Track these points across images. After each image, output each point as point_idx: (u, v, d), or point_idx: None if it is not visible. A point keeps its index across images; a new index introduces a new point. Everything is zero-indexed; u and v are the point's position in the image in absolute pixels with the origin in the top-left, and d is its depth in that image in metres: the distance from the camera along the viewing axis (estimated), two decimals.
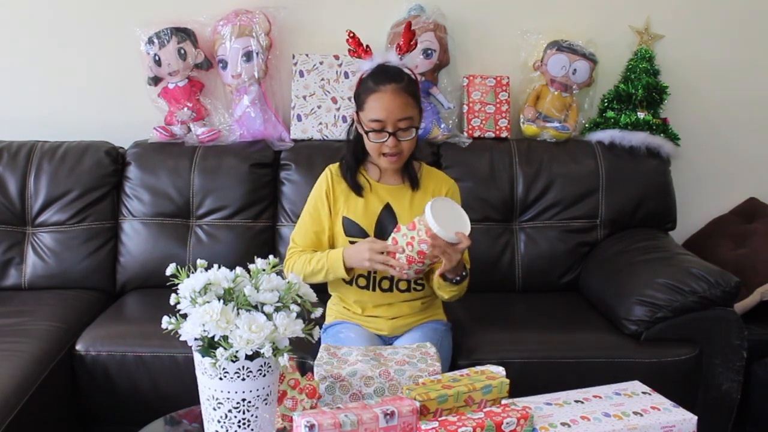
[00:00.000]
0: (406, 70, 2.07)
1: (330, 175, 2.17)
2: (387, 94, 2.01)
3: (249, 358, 1.42)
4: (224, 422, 1.46)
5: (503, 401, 1.55)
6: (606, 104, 2.91)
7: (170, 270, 1.49)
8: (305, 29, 2.91)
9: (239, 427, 1.46)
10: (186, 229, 2.74)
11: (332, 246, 2.16)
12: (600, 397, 1.63)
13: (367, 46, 2.10)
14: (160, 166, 2.75)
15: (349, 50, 2.10)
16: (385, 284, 2.13)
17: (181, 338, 1.44)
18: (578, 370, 2.23)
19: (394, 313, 2.16)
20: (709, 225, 3.04)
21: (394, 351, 1.82)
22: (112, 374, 2.28)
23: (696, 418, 1.57)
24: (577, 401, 1.61)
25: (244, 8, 2.84)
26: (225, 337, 1.40)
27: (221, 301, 1.44)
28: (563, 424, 1.52)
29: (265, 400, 1.47)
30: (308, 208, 2.18)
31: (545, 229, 2.77)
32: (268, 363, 1.45)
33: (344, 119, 2.82)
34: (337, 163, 2.19)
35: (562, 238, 2.75)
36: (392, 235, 1.98)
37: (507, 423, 1.45)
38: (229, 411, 1.45)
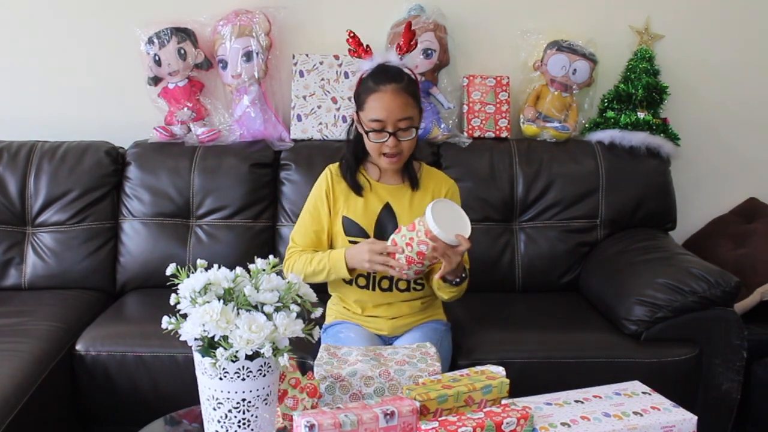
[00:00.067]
0: (407, 70, 2.07)
1: (330, 174, 2.17)
2: (387, 94, 2.01)
3: (249, 358, 1.42)
4: (224, 422, 1.46)
5: (503, 401, 1.55)
6: (606, 104, 2.91)
7: (170, 270, 1.49)
8: (305, 29, 2.91)
9: (239, 427, 1.46)
10: (186, 229, 2.74)
11: (331, 245, 2.16)
12: (600, 397, 1.63)
13: (368, 46, 2.10)
14: (160, 166, 2.75)
15: (350, 50, 2.10)
16: (385, 284, 2.13)
17: (181, 338, 1.44)
18: (578, 370, 2.23)
19: (394, 312, 2.16)
20: (709, 225, 3.04)
21: (394, 351, 1.82)
22: (112, 374, 2.28)
23: (696, 418, 1.57)
24: (577, 401, 1.61)
25: (244, 8, 2.84)
26: (225, 337, 1.40)
27: (221, 301, 1.44)
28: (563, 424, 1.52)
29: (265, 400, 1.47)
30: (308, 208, 2.18)
31: (545, 229, 2.77)
32: (268, 363, 1.45)
33: (344, 119, 2.82)
34: (337, 163, 2.19)
35: (562, 238, 2.75)
36: (392, 236, 1.98)
37: (507, 423, 1.45)
38: (229, 411, 1.45)
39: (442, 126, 2.85)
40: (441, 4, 2.87)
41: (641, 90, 2.83)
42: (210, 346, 1.42)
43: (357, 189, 2.14)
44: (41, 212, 2.72)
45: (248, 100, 2.82)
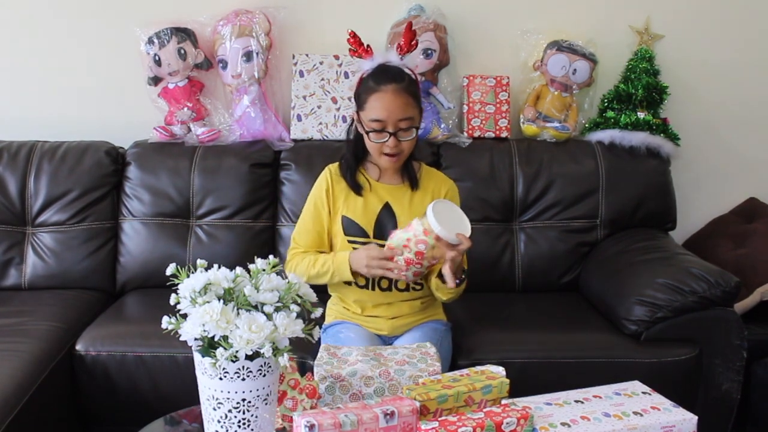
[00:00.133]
0: (407, 70, 2.08)
1: (329, 174, 2.17)
2: (388, 94, 2.01)
3: (249, 358, 1.42)
4: (224, 422, 1.46)
5: (503, 401, 1.55)
6: (606, 104, 2.91)
7: (170, 270, 1.49)
8: (305, 29, 2.91)
9: (239, 427, 1.46)
10: (186, 229, 2.74)
11: (331, 245, 2.16)
12: (600, 397, 1.63)
13: (368, 45, 2.10)
14: (160, 166, 2.75)
15: (350, 50, 2.10)
16: (384, 283, 2.13)
17: (181, 338, 1.44)
18: (578, 370, 2.23)
19: (394, 312, 2.16)
20: (709, 225, 3.04)
21: (394, 351, 1.82)
22: (112, 374, 2.28)
23: (696, 418, 1.57)
24: (577, 401, 1.61)
25: (244, 8, 2.84)
26: (225, 337, 1.40)
27: (221, 301, 1.44)
28: (563, 424, 1.52)
29: (265, 400, 1.47)
30: (308, 208, 2.18)
31: (545, 229, 2.77)
32: (268, 363, 1.45)
33: (344, 119, 2.82)
34: (337, 163, 2.20)
35: (562, 238, 2.75)
36: (387, 242, 1.99)
37: (507, 423, 1.45)
38: (229, 411, 1.45)
39: (442, 126, 2.85)
40: (441, 4, 2.87)
41: (641, 90, 2.83)
42: (210, 346, 1.42)
43: (357, 189, 2.14)
44: (41, 212, 2.72)
45: (248, 100, 2.82)
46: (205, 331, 1.40)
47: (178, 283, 1.49)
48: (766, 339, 2.51)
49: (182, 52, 2.80)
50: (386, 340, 2.16)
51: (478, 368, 1.64)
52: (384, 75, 2.04)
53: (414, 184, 2.16)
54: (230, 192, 2.73)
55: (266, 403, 1.48)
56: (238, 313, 1.43)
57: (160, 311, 1.51)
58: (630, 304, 2.34)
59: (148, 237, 2.72)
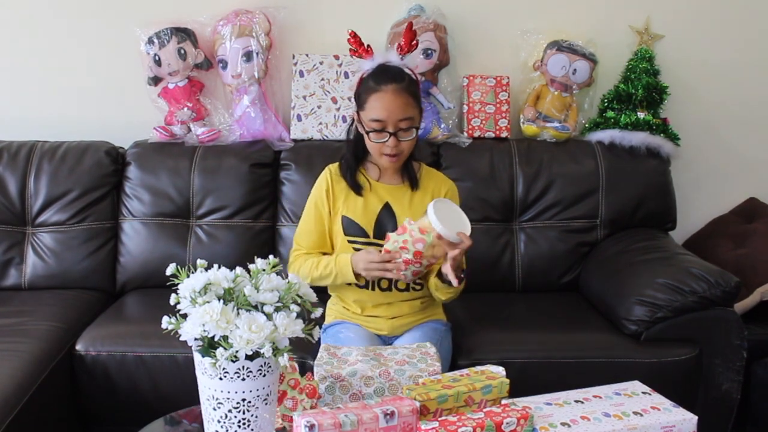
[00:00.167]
0: (407, 70, 2.08)
1: (329, 174, 2.17)
2: (388, 94, 2.01)
3: (249, 358, 1.42)
4: (224, 422, 1.46)
5: (503, 401, 1.55)
6: (606, 104, 2.91)
7: (170, 270, 1.49)
8: (305, 29, 2.91)
9: (239, 427, 1.46)
10: (186, 229, 2.74)
11: (331, 245, 2.16)
12: (600, 397, 1.63)
13: (368, 45, 2.10)
14: (160, 166, 2.75)
15: (351, 50, 2.10)
16: (384, 283, 2.13)
17: (181, 338, 1.44)
18: (578, 370, 2.23)
19: (394, 312, 2.16)
20: (709, 225, 3.04)
21: (394, 351, 1.82)
22: (112, 374, 2.28)
23: (696, 418, 1.57)
24: (577, 401, 1.61)
25: (244, 8, 2.84)
26: (225, 337, 1.40)
27: (221, 301, 1.44)
28: (563, 424, 1.52)
29: (265, 400, 1.47)
30: (309, 209, 2.18)
31: (545, 229, 2.77)
32: (268, 363, 1.45)
33: (344, 119, 2.82)
34: (337, 163, 2.20)
35: (562, 238, 2.75)
36: (384, 246, 1.99)
37: (507, 423, 1.45)
38: (229, 411, 1.45)
39: (442, 126, 2.85)
40: (441, 4, 2.87)
41: (641, 90, 2.83)
42: (210, 346, 1.42)
43: (357, 189, 2.14)
44: (41, 212, 2.72)
45: (248, 100, 2.82)
46: (205, 331, 1.40)
47: (178, 283, 1.49)
48: (766, 339, 2.51)
49: (182, 52, 2.80)
50: (386, 340, 2.16)
51: (478, 368, 1.64)
52: (384, 75, 2.04)
53: (414, 184, 2.16)
54: (230, 192, 2.73)
55: (266, 403, 1.48)
56: (238, 313, 1.43)
57: (160, 311, 1.51)
58: (630, 304, 2.34)
59: (148, 237, 2.72)
